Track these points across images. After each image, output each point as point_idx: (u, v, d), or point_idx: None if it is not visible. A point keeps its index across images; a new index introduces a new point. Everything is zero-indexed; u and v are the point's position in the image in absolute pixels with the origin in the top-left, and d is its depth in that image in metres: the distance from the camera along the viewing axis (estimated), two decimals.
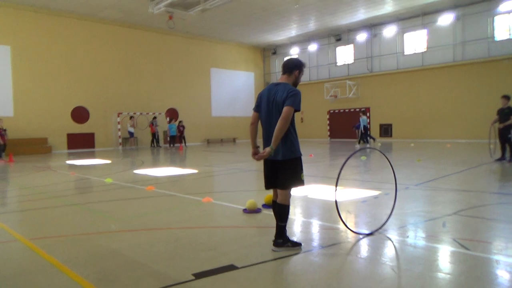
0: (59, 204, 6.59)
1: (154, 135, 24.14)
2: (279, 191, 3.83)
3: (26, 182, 9.82)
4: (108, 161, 15.16)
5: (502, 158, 10.94)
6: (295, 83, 3.90)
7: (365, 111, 23.90)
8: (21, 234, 4.72)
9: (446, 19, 22.29)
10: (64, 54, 22.19)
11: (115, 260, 3.69)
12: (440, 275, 3.16)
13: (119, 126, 23.98)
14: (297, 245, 3.82)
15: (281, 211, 3.78)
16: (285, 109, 3.60)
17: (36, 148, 20.82)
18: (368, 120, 26.01)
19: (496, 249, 3.78)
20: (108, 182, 8.88)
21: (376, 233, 4.30)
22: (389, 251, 3.81)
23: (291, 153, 3.69)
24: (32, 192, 8.08)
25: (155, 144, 24.23)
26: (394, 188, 4.81)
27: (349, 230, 4.36)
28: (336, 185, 4.11)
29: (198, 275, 3.20)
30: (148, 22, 23.81)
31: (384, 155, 4.89)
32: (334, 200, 4.16)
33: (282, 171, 3.73)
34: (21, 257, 3.89)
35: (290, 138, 3.70)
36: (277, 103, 3.71)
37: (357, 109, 26.60)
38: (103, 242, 4.31)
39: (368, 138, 20.18)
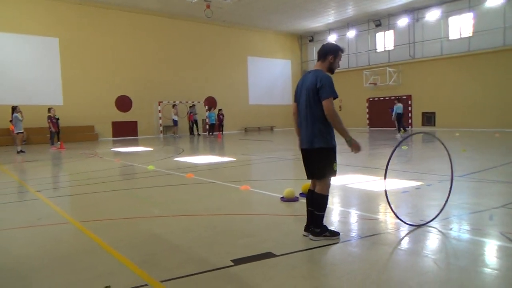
0: (106, 189, 6.93)
1: (192, 123, 24.60)
2: (316, 181, 3.81)
3: (76, 168, 10.39)
4: (150, 149, 15.69)
5: None
6: (331, 68, 3.79)
7: (402, 99, 23.01)
8: (72, 216, 5.02)
9: (494, 1, 20.89)
10: (108, 45, 23.02)
11: (158, 244, 3.85)
12: (487, 270, 3.05)
13: (160, 115, 24.67)
14: (335, 234, 3.79)
15: (318, 201, 3.76)
16: (324, 104, 3.55)
17: (84, 135, 21.91)
18: (409, 108, 25.18)
19: None
20: (151, 169, 9.21)
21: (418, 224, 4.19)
22: (431, 244, 3.70)
23: (322, 143, 3.64)
24: (81, 177, 8.55)
25: (193, 132, 24.72)
26: (445, 178, 4.66)
27: (388, 221, 4.27)
28: (385, 175, 4.01)
29: (237, 261, 3.26)
30: (186, 11, 24.11)
31: (440, 140, 4.65)
32: (384, 190, 4.09)
33: (315, 160, 3.71)
34: (73, 239, 4.15)
35: (321, 127, 3.63)
36: (307, 89, 3.68)
37: (398, 97, 25.75)
38: (146, 226, 4.50)
39: (400, 127, 19.27)
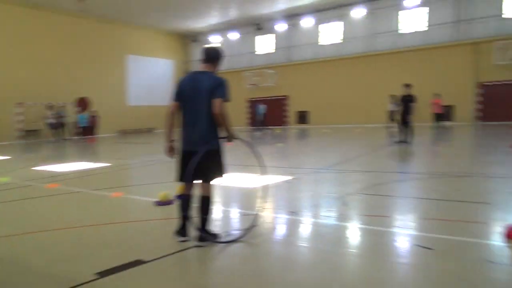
0: None
1: (55, 125, 21.94)
2: (202, 184, 3.69)
3: None
4: (8, 157, 13.58)
5: (403, 141, 11.91)
6: (216, 72, 3.83)
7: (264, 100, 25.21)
8: None
9: (358, 12, 23.53)
10: None
11: (7, 267, 3.31)
12: (348, 250, 3.35)
13: (21, 117, 21.60)
14: (216, 236, 3.71)
15: (209, 205, 3.69)
16: (216, 102, 3.53)
17: None
18: (286, 108, 26.82)
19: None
20: (3, 182, 7.88)
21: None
22: (302, 232, 3.92)
23: (218, 144, 3.66)
24: None
25: (57, 135, 22.00)
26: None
27: (264, 215, 4.39)
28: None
29: (103, 274, 3.02)
30: (54, 2, 21.66)
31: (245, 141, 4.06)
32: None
33: (211, 162, 3.62)
34: None
35: (216, 128, 3.64)
36: (204, 91, 3.58)
37: (278, 97, 27.32)
38: None
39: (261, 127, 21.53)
